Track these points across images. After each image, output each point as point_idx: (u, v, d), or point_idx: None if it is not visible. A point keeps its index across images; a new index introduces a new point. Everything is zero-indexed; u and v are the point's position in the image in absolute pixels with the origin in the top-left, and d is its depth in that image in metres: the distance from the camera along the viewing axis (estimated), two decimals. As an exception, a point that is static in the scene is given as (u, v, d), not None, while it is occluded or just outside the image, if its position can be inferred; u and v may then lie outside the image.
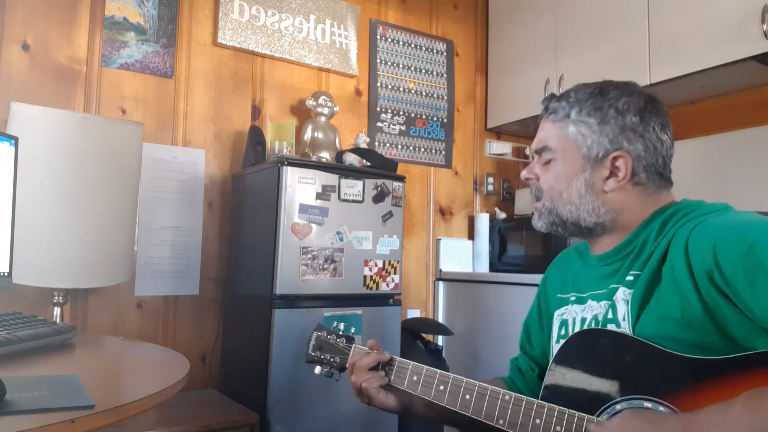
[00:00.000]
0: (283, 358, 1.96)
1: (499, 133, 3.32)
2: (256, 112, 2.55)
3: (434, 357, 2.48)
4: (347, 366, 1.12)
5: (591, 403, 0.88)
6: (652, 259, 0.91)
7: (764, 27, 1.98)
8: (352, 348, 1.14)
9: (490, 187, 3.26)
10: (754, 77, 2.28)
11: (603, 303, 0.97)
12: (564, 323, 1.06)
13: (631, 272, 0.94)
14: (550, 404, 0.89)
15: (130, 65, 2.27)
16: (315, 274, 2.05)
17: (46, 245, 1.73)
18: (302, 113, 2.62)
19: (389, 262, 2.25)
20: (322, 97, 2.49)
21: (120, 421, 0.79)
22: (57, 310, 1.87)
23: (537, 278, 2.35)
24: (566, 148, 0.99)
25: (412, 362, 1.05)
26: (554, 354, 0.99)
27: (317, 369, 1.17)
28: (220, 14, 2.45)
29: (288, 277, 2.00)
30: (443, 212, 3.10)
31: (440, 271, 3.01)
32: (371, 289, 2.19)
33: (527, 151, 3.41)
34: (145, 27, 2.31)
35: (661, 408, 0.82)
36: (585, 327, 0.99)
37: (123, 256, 1.92)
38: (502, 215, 3.08)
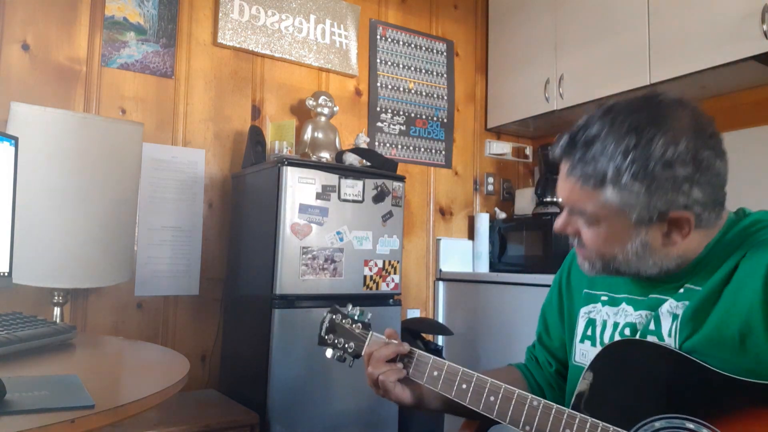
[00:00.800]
0: (283, 358, 1.96)
1: (499, 133, 3.32)
2: (256, 112, 2.55)
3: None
4: (363, 355, 1.05)
5: (627, 417, 0.81)
6: (716, 275, 0.83)
7: (764, 27, 1.98)
8: (369, 336, 1.07)
9: (490, 187, 3.26)
10: (754, 77, 2.28)
11: (643, 312, 0.91)
12: (591, 323, 1.00)
13: (686, 285, 0.87)
14: (581, 415, 0.83)
15: (130, 65, 2.27)
16: (315, 274, 2.05)
17: (46, 245, 1.73)
18: (302, 113, 2.62)
19: (389, 262, 2.25)
20: (322, 97, 2.49)
21: (120, 421, 0.79)
22: (57, 310, 1.87)
23: (537, 278, 2.37)
24: (609, 215, 0.84)
25: (432, 356, 1.00)
26: (582, 354, 0.95)
27: (329, 352, 1.11)
28: (220, 14, 2.45)
29: (288, 277, 2.00)
30: (443, 212, 3.10)
31: (440, 271, 3.01)
32: (371, 289, 2.19)
33: (527, 151, 3.41)
34: (145, 27, 2.31)
35: (704, 430, 0.76)
36: (617, 334, 0.93)
37: (123, 256, 1.92)
38: (502, 215, 3.08)
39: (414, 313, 2.92)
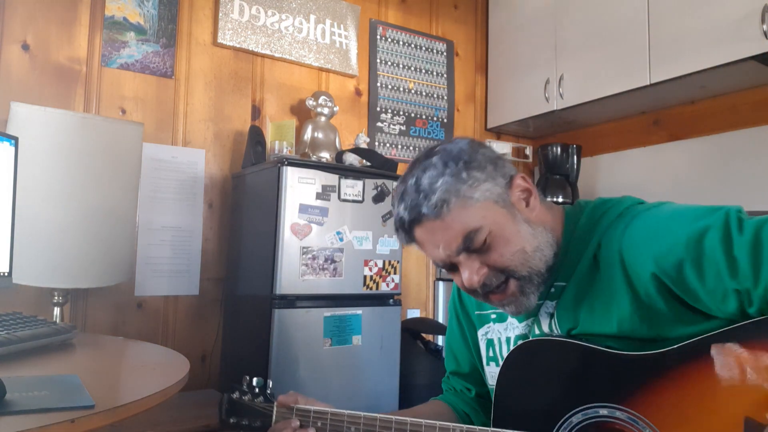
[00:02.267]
0: (283, 358, 1.96)
1: (499, 133, 3.32)
2: (256, 112, 2.55)
3: (434, 357, 2.48)
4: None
5: (546, 419, 0.84)
6: (579, 268, 0.88)
7: (764, 27, 1.98)
8: (274, 409, 1.01)
9: (490, 187, 3.26)
10: (754, 77, 2.28)
11: (528, 321, 0.95)
12: (490, 344, 1.02)
13: (555, 284, 0.91)
14: (504, 431, 0.84)
15: (130, 65, 2.27)
16: (315, 274, 2.05)
17: (46, 245, 1.73)
18: (302, 113, 2.62)
19: (389, 262, 2.25)
20: (322, 97, 2.49)
21: (120, 421, 0.79)
22: (57, 310, 1.87)
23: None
24: (485, 213, 0.86)
25: (347, 412, 0.94)
26: (491, 376, 0.96)
27: None
28: (220, 14, 2.45)
29: (288, 277, 2.00)
30: (443, 212, 3.10)
31: (440, 271, 3.01)
32: (371, 289, 2.19)
33: (527, 151, 3.41)
34: (145, 27, 2.31)
35: (618, 413, 0.80)
36: (512, 346, 0.95)
37: (123, 256, 1.92)
38: (502, 215, 3.08)
39: (414, 313, 2.92)
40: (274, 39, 2.58)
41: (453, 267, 0.90)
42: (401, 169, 2.65)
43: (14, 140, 1.37)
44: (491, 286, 0.88)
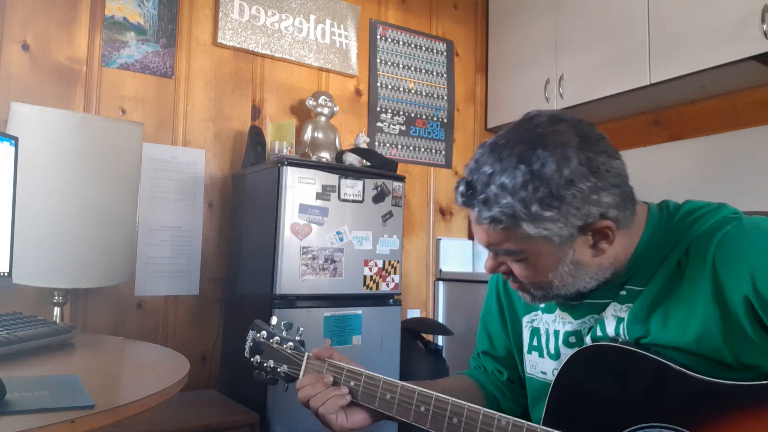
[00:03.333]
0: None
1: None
2: (256, 112, 2.55)
3: (434, 357, 2.48)
4: (297, 385, 0.95)
5: (605, 428, 0.79)
6: (659, 273, 0.82)
7: (764, 27, 1.98)
8: (305, 359, 0.97)
9: (490, 187, 3.26)
10: (754, 77, 2.28)
11: (585, 318, 0.89)
12: (535, 332, 0.97)
13: (627, 287, 0.85)
14: (553, 431, 0.79)
15: (130, 65, 2.27)
16: (315, 274, 2.05)
17: (46, 245, 1.73)
18: (302, 113, 2.62)
19: (389, 262, 2.25)
20: (322, 97, 2.49)
21: (120, 421, 0.79)
22: (57, 310, 1.87)
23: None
24: (532, 247, 0.81)
25: (382, 377, 0.91)
26: (531, 365, 0.93)
27: (255, 374, 1.00)
28: (220, 14, 2.45)
29: (288, 277, 2.00)
30: (443, 212, 3.10)
31: (440, 271, 3.01)
32: (371, 289, 2.19)
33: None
34: (145, 27, 2.31)
35: None
36: (561, 343, 0.91)
37: (123, 256, 1.92)
38: (502, 215, 3.08)
39: (414, 313, 2.92)
40: (274, 39, 2.58)
41: None
42: (401, 169, 2.65)
43: (14, 140, 1.37)
44: (508, 278, 0.88)
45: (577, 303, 0.90)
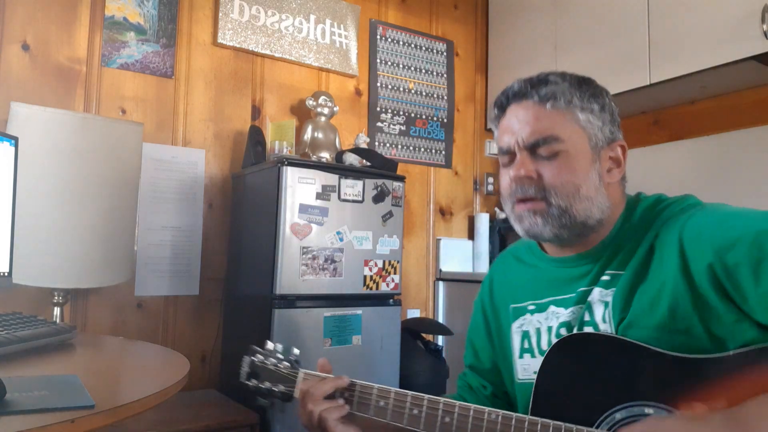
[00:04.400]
0: (283, 358, 1.96)
1: (499, 133, 3.32)
2: (256, 112, 2.55)
3: (434, 357, 2.48)
4: (296, 396, 0.98)
5: (587, 414, 0.82)
6: (636, 256, 0.87)
7: (764, 27, 1.98)
8: (300, 374, 0.99)
9: (490, 187, 3.26)
10: (754, 77, 2.28)
11: (574, 308, 0.92)
12: (525, 335, 0.99)
13: (608, 272, 0.90)
14: (543, 419, 0.82)
15: (130, 65, 2.27)
16: (315, 274, 2.05)
17: (46, 245, 1.73)
18: (302, 113, 2.62)
19: (389, 262, 2.25)
20: (322, 97, 2.49)
21: (120, 421, 0.79)
22: (57, 310, 1.87)
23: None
24: (575, 138, 0.89)
25: (376, 385, 0.93)
26: (523, 369, 0.95)
27: (257, 400, 1.02)
28: (220, 14, 2.45)
29: (288, 277, 2.00)
30: (443, 212, 3.10)
31: (440, 271, 3.01)
32: (371, 289, 2.19)
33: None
34: (145, 27, 2.31)
35: (664, 413, 0.78)
36: (554, 337, 0.94)
37: (123, 256, 1.92)
38: (502, 215, 3.08)
39: (414, 313, 2.92)
40: (274, 39, 2.58)
41: (510, 162, 0.93)
42: (401, 169, 2.65)
43: (14, 140, 1.37)
44: (525, 192, 0.90)
45: (570, 293, 0.93)
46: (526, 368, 0.98)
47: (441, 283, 3.01)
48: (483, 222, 3.01)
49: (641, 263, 0.86)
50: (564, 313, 0.94)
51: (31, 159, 1.69)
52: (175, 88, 2.37)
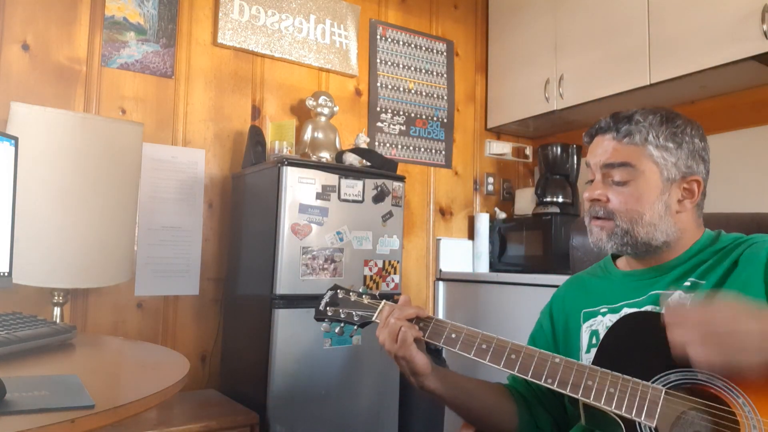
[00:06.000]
0: (283, 358, 1.96)
1: (499, 133, 3.32)
2: (256, 112, 2.55)
3: (434, 357, 2.47)
4: (374, 319, 1.07)
5: (643, 373, 0.87)
6: (716, 271, 0.96)
7: (764, 27, 1.98)
8: (382, 303, 1.10)
9: (490, 187, 3.26)
10: (754, 77, 2.28)
11: (649, 308, 0.98)
12: (595, 333, 1.05)
13: (690, 278, 0.98)
14: (603, 369, 0.88)
15: (130, 65, 2.27)
16: (315, 274, 2.05)
17: (46, 245, 1.73)
18: (302, 113, 2.62)
19: (389, 262, 2.25)
20: (322, 97, 2.49)
21: (120, 421, 0.79)
22: (57, 310, 1.87)
23: (537, 278, 2.37)
24: (647, 170, 1.00)
25: (450, 322, 1.03)
26: (601, 337, 1.00)
27: (324, 326, 1.12)
28: (220, 14, 2.45)
29: (288, 277, 2.00)
30: (443, 212, 3.10)
31: (440, 271, 3.01)
32: (371, 289, 2.19)
33: (527, 151, 3.41)
34: (145, 27, 2.31)
35: (716, 380, 0.82)
36: None
37: (123, 256, 1.92)
38: (502, 215, 3.08)
39: (414, 313, 2.91)
40: (274, 39, 2.58)
41: (592, 181, 1.06)
42: (401, 169, 2.65)
43: (14, 140, 1.37)
44: (596, 212, 1.03)
45: (643, 296, 1.01)
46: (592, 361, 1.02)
47: (441, 283, 3.01)
48: (483, 222, 3.01)
49: (723, 275, 0.95)
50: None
51: (31, 159, 1.69)
52: (175, 88, 2.37)
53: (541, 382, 0.90)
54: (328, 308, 1.13)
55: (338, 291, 1.14)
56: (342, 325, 1.11)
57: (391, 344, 1.01)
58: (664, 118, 1.02)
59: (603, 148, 1.03)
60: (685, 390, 0.84)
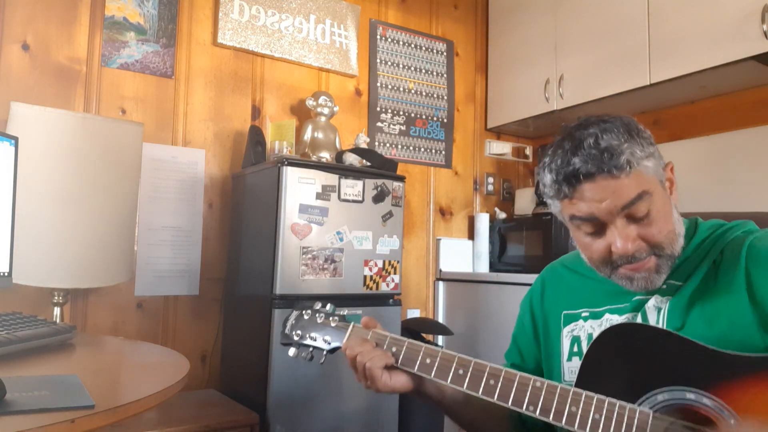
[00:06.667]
0: (283, 358, 1.96)
1: (499, 133, 3.32)
2: (256, 112, 2.55)
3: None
4: (342, 347, 1.00)
5: (629, 392, 0.84)
6: (698, 271, 0.91)
7: (764, 27, 1.98)
8: (350, 327, 1.02)
9: (490, 187, 3.26)
10: (754, 77, 2.28)
11: (629, 315, 0.95)
12: (575, 340, 1.02)
13: (668, 281, 0.92)
14: (587, 392, 0.84)
15: (130, 65, 2.27)
16: (315, 274, 2.05)
17: (46, 245, 1.73)
18: (302, 113, 2.62)
19: (389, 262, 2.25)
20: (322, 97, 2.49)
21: (120, 421, 0.79)
22: (57, 310, 1.87)
23: (537, 278, 2.36)
24: (652, 186, 0.89)
25: (423, 344, 0.96)
26: (570, 371, 0.97)
27: (292, 351, 1.04)
28: (220, 14, 2.45)
29: (288, 277, 2.00)
30: (443, 212, 3.10)
31: (440, 271, 3.01)
32: (371, 289, 2.19)
33: (527, 151, 3.41)
34: (145, 27, 2.31)
35: (705, 399, 0.79)
36: None
37: (123, 256, 1.92)
38: (502, 215, 3.08)
39: (414, 313, 2.92)
40: (274, 39, 2.58)
41: (598, 231, 0.91)
42: (401, 169, 2.65)
43: (14, 140, 1.37)
44: (634, 260, 0.89)
45: (626, 303, 0.96)
46: (574, 371, 0.99)
47: (441, 283, 3.01)
48: (483, 222, 3.01)
49: (702, 279, 0.90)
50: (618, 320, 0.96)
51: (31, 159, 1.69)
52: (175, 88, 2.37)
53: (523, 410, 0.86)
54: (294, 332, 1.05)
55: (304, 313, 1.07)
56: (311, 350, 1.03)
57: (361, 381, 0.97)
58: (629, 128, 0.90)
59: (607, 192, 0.87)
60: (674, 412, 0.80)
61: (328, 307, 1.07)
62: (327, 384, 2.05)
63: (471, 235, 3.11)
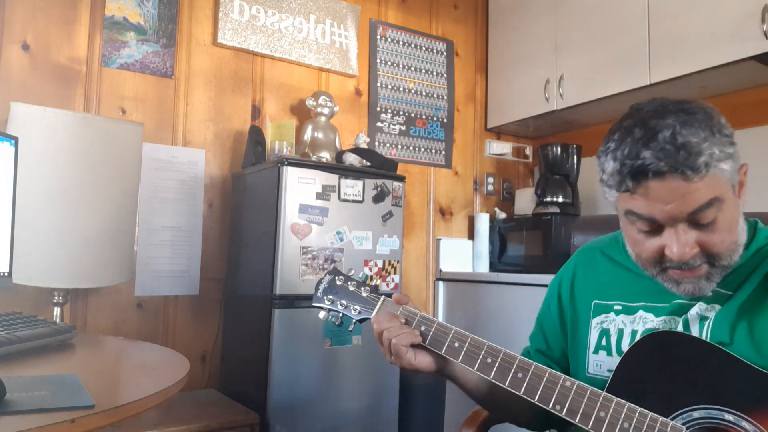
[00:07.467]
0: (283, 358, 1.96)
1: (499, 133, 3.32)
2: (256, 112, 2.55)
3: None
4: (372, 319, 0.99)
5: (663, 405, 0.79)
6: (749, 281, 0.85)
7: (764, 27, 1.98)
8: (381, 299, 1.01)
9: (490, 187, 3.26)
10: (754, 77, 2.28)
11: (667, 318, 0.89)
12: (604, 333, 0.96)
13: (716, 288, 0.86)
14: (618, 399, 0.80)
15: (130, 65, 2.27)
16: (315, 274, 2.05)
17: (46, 245, 1.73)
18: (302, 113, 2.62)
19: (389, 262, 2.25)
20: (322, 97, 2.49)
21: (120, 421, 0.79)
22: (57, 310, 1.87)
23: (537, 278, 2.37)
24: (725, 192, 0.81)
25: (454, 326, 0.94)
26: (596, 365, 0.94)
27: (322, 314, 1.05)
28: (220, 14, 2.45)
29: (288, 277, 2.00)
30: (443, 212, 3.10)
31: (440, 271, 3.01)
32: (373, 279, 2.19)
33: (527, 151, 3.41)
34: (145, 27, 2.31)
35: (744, 423, 0.75)
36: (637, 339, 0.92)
37: (123, 256, 1.92)
38: (502, 215, 3.08)
39: (414, 313, 2.91)
40: (274, 39, 2.58)
41: (655, 231, 0.83)
42: (401, 169, 2.65)
43: (14, 140, 1.37)
44: (687, 266, 0.82)
45: (665, 303, 0.91)
46: (600, 364, 0.96)
47: (441, 283, 3.01)
48: (483, 222, 3.01)
49: (755, 289, 0.83)
50: (653, 320, 0.91)
51: (31, 159, 1.69)
52: (175, 88, 2.37)
53: (549, 408, 0.83)
54: (326, 296, 1.07)
55: (336, 278, 1.07)
56: (341, 315, 1.04)
57: (386, 355, 0.95)
58: (707, 121, 0.79)
59: (675, 195, 0.78)
60: (708, 431, 0.77)
61: (361, 275, 1.08)
62: (327, 384, 2.05)
63: (471, 235, 3.11)
